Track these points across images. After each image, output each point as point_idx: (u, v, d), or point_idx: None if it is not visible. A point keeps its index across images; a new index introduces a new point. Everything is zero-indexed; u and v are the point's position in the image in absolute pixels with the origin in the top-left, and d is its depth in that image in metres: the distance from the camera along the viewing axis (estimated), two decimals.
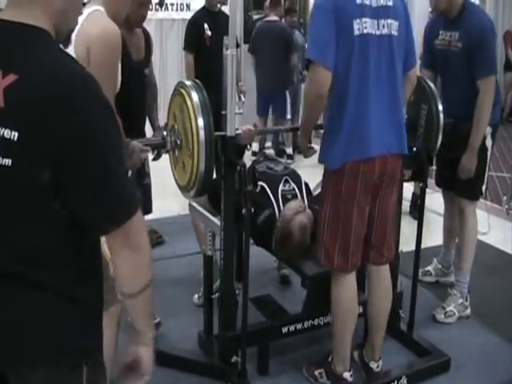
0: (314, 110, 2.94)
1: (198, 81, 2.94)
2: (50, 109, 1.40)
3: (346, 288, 3.05)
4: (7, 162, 1.42)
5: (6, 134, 1.40)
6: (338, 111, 2.81)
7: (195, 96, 2.80)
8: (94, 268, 1.61)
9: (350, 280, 3.04)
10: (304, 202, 3.50)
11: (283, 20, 8.00)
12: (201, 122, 2.75)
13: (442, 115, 3.48)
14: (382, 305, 3.22)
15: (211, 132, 2.77)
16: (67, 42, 1.69)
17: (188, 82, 2.91)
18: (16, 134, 1.39)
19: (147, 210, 3.21)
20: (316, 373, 3.26)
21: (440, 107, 3.48)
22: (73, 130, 1.41)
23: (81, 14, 1.71)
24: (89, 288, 1.59)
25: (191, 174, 2.84)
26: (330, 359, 3.21)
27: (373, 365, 3.29)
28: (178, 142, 2.92)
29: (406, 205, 4.50)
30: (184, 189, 3.01)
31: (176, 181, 3.09)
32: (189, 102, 2.80)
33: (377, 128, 2.81)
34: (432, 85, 3.58)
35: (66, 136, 1.41)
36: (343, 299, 3.06)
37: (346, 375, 3.16)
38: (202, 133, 2.74)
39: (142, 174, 3.23)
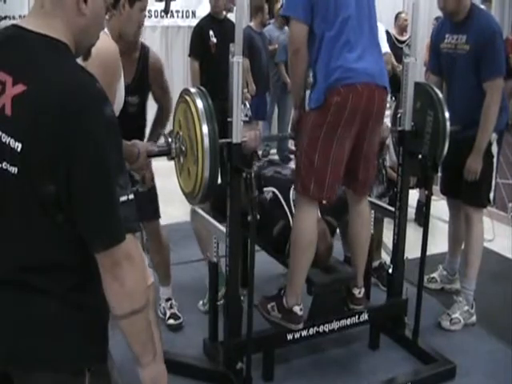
0: (295, 65, 3.04)
1: (202, 88, 2.94)
2: (53, 124, 1.39)
3: (310, 217, 3.12)
4: (14, 170, 1.43)
5: (11, 144, 1.42)
6: (318, 55, 2.94)
7: (200, 103, 2.80)
8: (100, 277, 1.61)
9: (314, 212, 3.15)
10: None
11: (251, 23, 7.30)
12: (205, 128, 2.75)
13: (448, 123, 3.49)
14: (361, 234, 3.37)
15: (216, 139, 2.78)
16: (87, 54, 1.69)
17: (193, 89, 2.91)
18: (20, 146, 1.41)
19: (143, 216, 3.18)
20: (269, 306, 3.32)
21: (447, 114, 3.49)
22: (74, 148, 1.41)
23: (103, 29, 1.71)
24: (94, 296, 1.59)
25: (196, 180, 2.85)
26: (282, 293, 3.27)
27: (355, 291, 3.38)
28: (183, 149, 2.92)
29: (411, 212, 4.49)
30: (189, 196, 3.02)
31: (181, 188, 3.09)
32: (193, 109, 2.81)
33: (358, 60, 2.92)
34: (439, 92, 3.58)
35: (67, 153, 1.40)
36: (306, 228, 3.12)
37: (296, 309, 3.22)
38: (206, 140, 2.74)
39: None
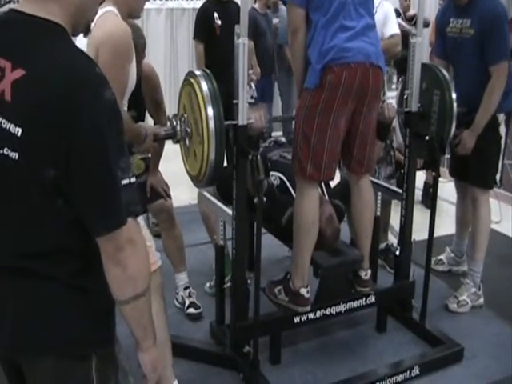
0: (295, 45, 3.07)
1: (207, 70, 2.93)
2: (52, 109, 1.38)
3: (310, 198, 3.13)
4: (15, 155, 1.43)
5: (11, 129, 1.41)
6: (313, 38, 2.97)
7: (204, 85, 2.80)
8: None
9: (315, 193, 3.15)
10: (324, 193, 3.50)
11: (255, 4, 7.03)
12: (210, 111, 2.75)
13: (455, 103, 3.46)
14: (364, 215, 3.36)
15: (221, 120, 2.78)
16: (87, 30, 1.67)
17: (197, 72, 2.90)
18: (19, 130, 1.40)
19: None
20: (275, 290, 3.33)
21: (453, 94, 3.47)
22: (73, 132, 1.40)
23: (99, 5, 1.70)
24: (97, 281, 1.57)
25: (202, 161, 2.85)
26: (288, 276, 3.28)
27: (361, 273, 3.37)
28: (188, 131, 2.92)
29: (417, 193, 4.48)
30: (195, 178, 3.01)
31: (188, 171, 3.08)
32: (198, 92, 2.80)
33: (353, 40, 2.94)
34: (445, 72, 3.56)
35: (66, 137, 1.39)
36: (307, 209, 3.13)
37: (303, 291, 3.22)
38: (211, 121, 2.74)
39: None
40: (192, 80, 2.87)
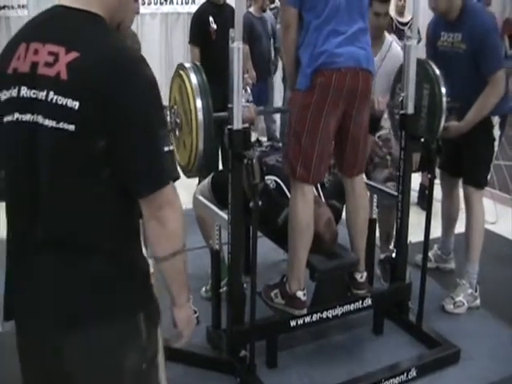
0: (287, 40, 3.11)
1: (197, 63, 3.02)
2: (106, 84, 1.57)
3: (304, 200, 3.15)
4: (71, 127, 1.57)
5: (68, 104, 1.56)
6: (304, 40, 3.02)
7: (194, 78, 2.87)
8: (137, 231, 1.80)
9: (309, 194, 3.17)
10: (320, 195, 3.51)
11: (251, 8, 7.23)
12: (199, 102, 2.83)
13: (444, 97, 3.49)
14: (358, 216, 3.38)
15: (210, 112, 2.85)
16: (117, 29, 1.85)
17: (187, 64, 2.97)
18: (77, 104, 1.56)
19: None
20: (272, 294, 3.33)
21: (443, 89, 3.49)
22: (127, 104, 1.59)
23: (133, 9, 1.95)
24: (135, 246, 1.78)
25: (191, 151, 2.92)
26: (285, 279, 3.28)
27: (357, 275, 3.38)
28: (178, 122, 2.98)
29: (413, 195, 4.49)
30: (185, 168, 3.05)
31: (178, 162, 3.09)
32: (187, 84, 2.87)
33: (344, 45, 2.98)
34: (435, 67, 3.57)
35: (120, 109, 1.58)
36: (302, 210, 3.14)
37: (300, 294, 3.22)
38: (200, 113, 2.82)
39: None
40: (182, 72, 2.94)
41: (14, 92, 1.64)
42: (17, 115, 1.63)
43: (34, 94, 1.61)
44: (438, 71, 3.55)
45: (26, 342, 1.77)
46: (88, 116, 1.56)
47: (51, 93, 1.58)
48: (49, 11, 1.71)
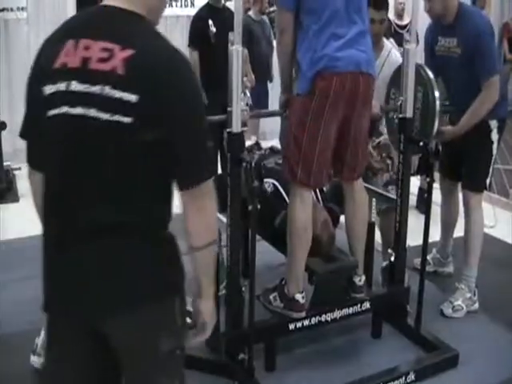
0: (282, 44, 3.12)
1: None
2: (162, 79, 1.66)
3: (303, 203, 3.14)
4: (128, 120, 1.64)
5: (124, 97, 1.63)
6: (303, 44, 3.02)
7: None
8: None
9: (307, 198, 3.18)
10: (318, 198, 3.50)
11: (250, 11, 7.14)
12: None
13: (438, 102, 3.52)
14: (356, 219, 3.38)
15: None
16: None
17: None
18: (134, 97, 1.63)
19: None
20: (270, 297, 3.33)
21: (436, 93, 3.52)
22: (183, 101, 1.70)
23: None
24: (170, 233, 1.84)
25: None
26: (283, 282, 3.28)
27: (356, 279, 3.38)
28: None
29: (412, 199, 4.48)
30: None
31: None
32: None
33: (344, 49, 2.98)
34: (429, 71, 3.59)
35: (173, 103, 1.68)
36: (300, 214, 3.14)
37: (298, 297, 3.22)
38: None
39: None
40: None
41: (61, 86, 1.67)
42: (65, 108, 1.67)
43: (86, 88, 1.65)
44: (431, 75, 3.57)
45: (68, 330, 1.81)
46: (145, 109, 1.64)
47: (107, 87, 1.63)
48: (94, 10, 1.79)
